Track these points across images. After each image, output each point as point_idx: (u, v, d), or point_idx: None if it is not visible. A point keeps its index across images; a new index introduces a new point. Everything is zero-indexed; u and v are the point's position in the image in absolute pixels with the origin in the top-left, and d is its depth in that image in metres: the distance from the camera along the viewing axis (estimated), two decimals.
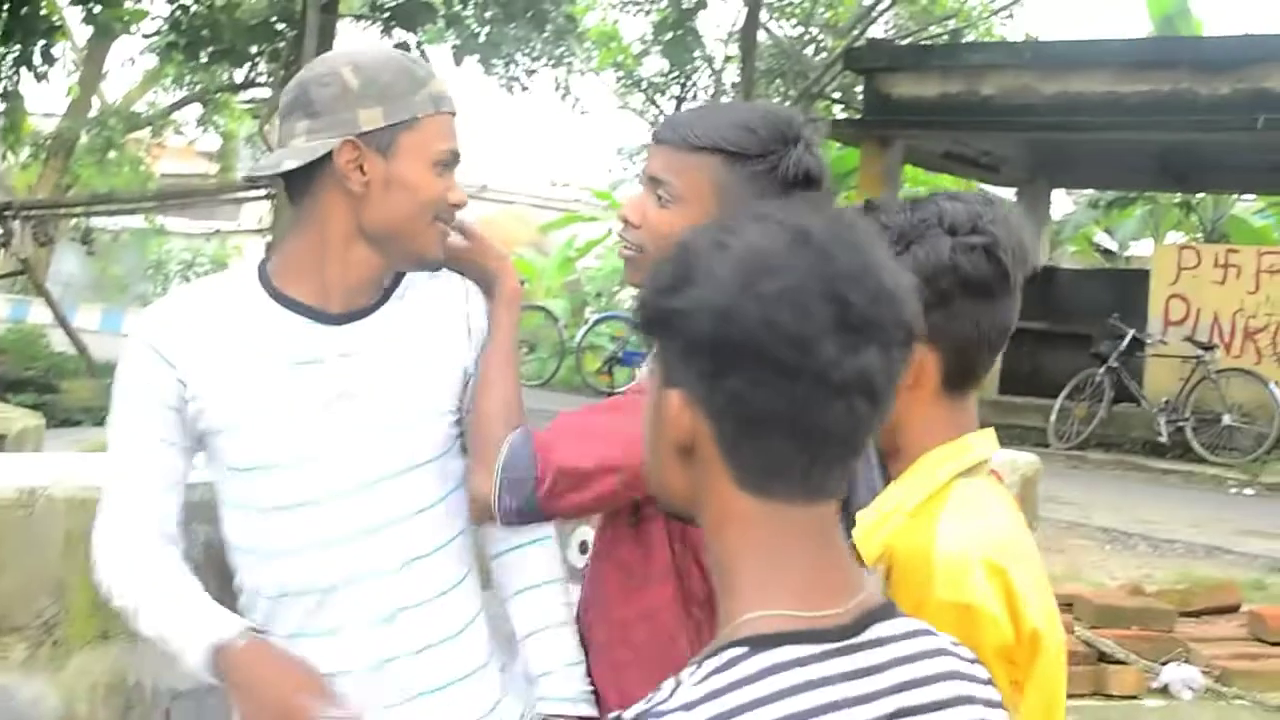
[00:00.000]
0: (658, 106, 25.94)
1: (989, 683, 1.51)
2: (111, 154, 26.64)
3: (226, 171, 30.69)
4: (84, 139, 26.02)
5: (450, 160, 2.35)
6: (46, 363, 16.71)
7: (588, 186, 27.83)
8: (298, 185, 2.30)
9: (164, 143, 29.30)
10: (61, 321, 16.99)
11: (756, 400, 1.37)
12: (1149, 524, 10.97)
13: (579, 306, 24.13)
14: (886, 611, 1.46)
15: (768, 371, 1.36)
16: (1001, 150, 19.70)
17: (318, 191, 2.28)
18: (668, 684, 1.36)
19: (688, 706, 1.32)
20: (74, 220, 23.07)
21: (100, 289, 31.76)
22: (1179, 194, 23.32)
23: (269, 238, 22.41)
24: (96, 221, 23.87)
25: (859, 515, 1.92)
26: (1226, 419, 15.17)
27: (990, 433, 1.98)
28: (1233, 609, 7.65)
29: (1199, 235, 23.78)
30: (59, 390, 14.94)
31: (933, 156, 19.79)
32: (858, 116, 19.92)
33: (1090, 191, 24.89)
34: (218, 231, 33.20)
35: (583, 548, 3.29)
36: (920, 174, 22.21)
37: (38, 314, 22.15)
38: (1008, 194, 22.92)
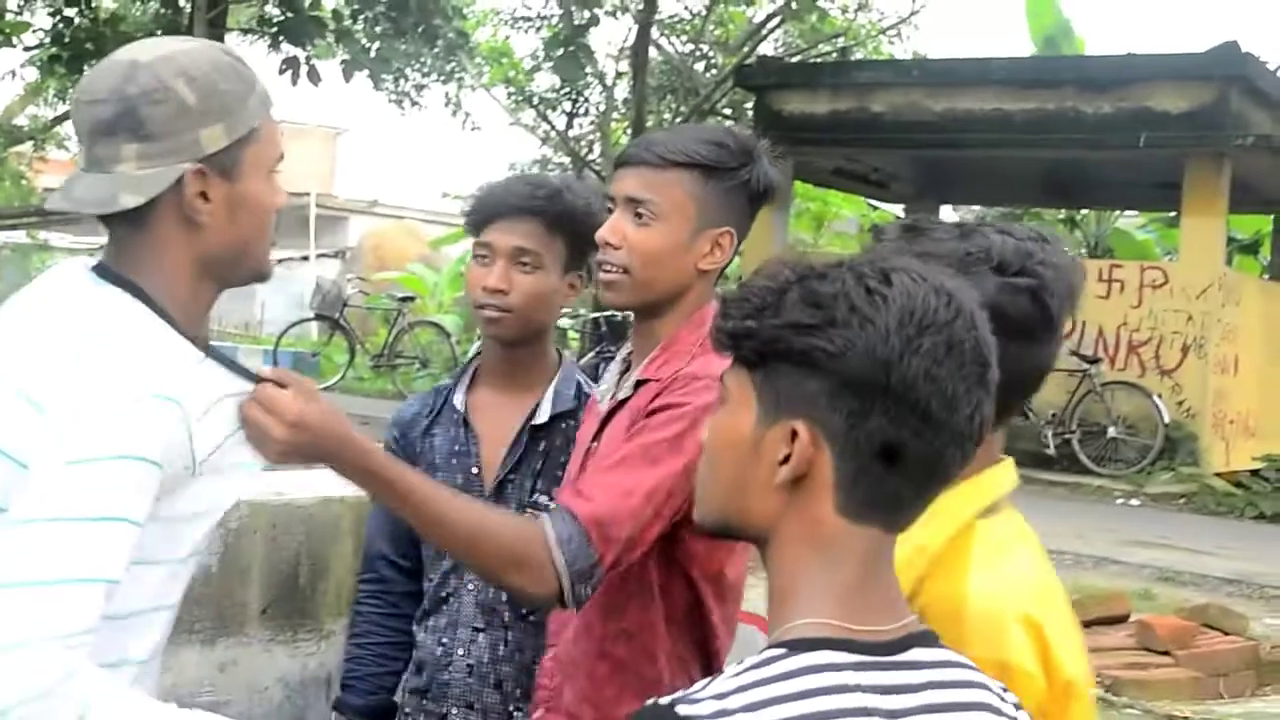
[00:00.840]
0: (549, 122, 25.93)
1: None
2: None
3: None
4: None
5: (279, 164, 2.14)
6: None
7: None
8: (123, 215, 2.01)
9: (46, 157, 28.81)
10: None
11: (895, 443, 1.49)
12: (1037, 535, 11.08)
13: (471, 322, 24.02)
14: (928, 639, 1.56)
15: (915, 420, 1.48)
16: (891, 167, 19.93)
17: (151, 223, 2.01)
18: (705, 679, 1.47)
19: (720, 695, 1.41)
20: None
21: None
22: (1064, 210, 23.71)
23: None
24: None
25: None
26: (1112, 431, 15.42)
27: (1009, 465, 1.98)
28: (1122, 619, 7.76)
29: (1083, 250, 24.15)
30: None
31: (823, 173, 19.97)
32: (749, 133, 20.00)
33: (977, 208, 25.23)
34: (102, 247, 32.55)
35: None
36: (810, 190, 22.38)
37: None
38: (896, 210, 23.18)
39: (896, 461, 1.50)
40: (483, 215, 3.00)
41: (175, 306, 2.02)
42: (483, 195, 3.05)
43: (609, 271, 2.55)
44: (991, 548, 1.86)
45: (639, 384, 2.55)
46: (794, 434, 1.50)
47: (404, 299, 21.00)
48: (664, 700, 1.44)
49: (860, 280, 1.51)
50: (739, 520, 1.57)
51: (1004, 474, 1.96)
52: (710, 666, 2.57)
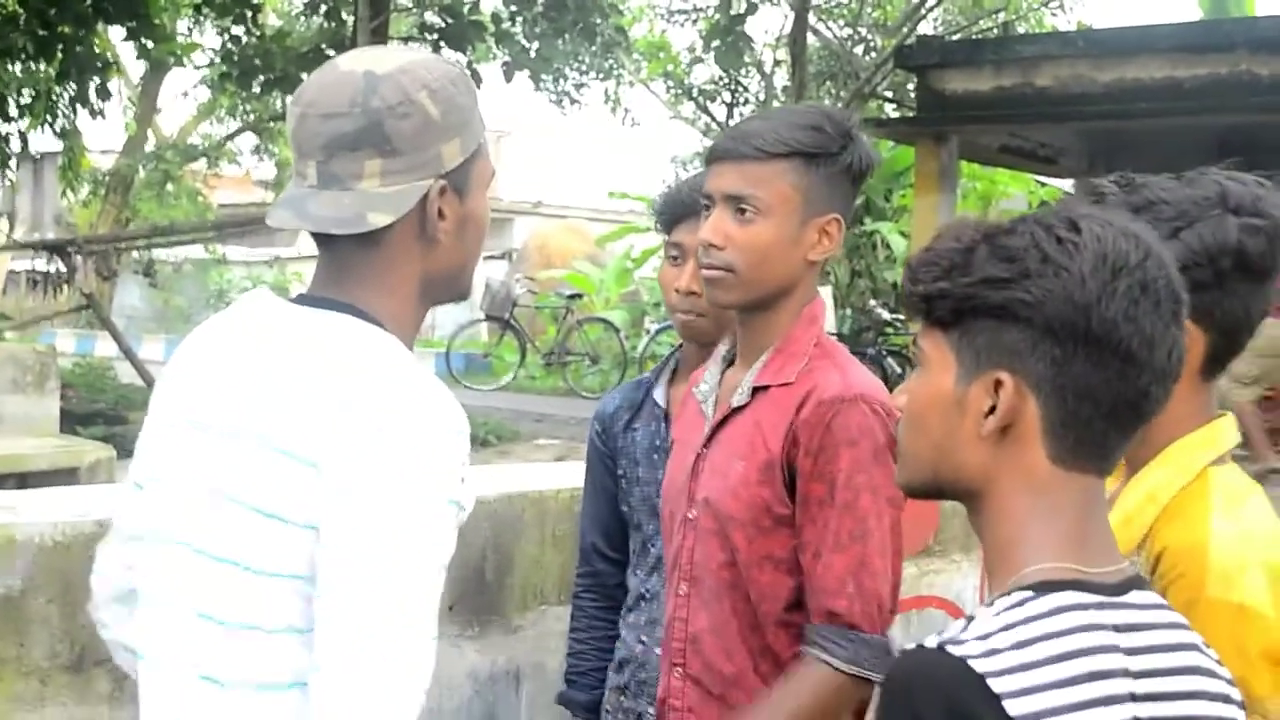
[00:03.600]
0: (709, 114, 25.92)
1: (1219, 663, 1.61)
2: (169, 187, 26.97)
3: None
4: (141, 173, 26.36)
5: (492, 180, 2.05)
6: (114, 395, 16.87)
7: (642, 197, 27.83)
8: (355, 234, 1.89)
9: (220, 173, 29.59)
10: (128, 353, 17.13)
11: (1099, 385, 1.53)
12: None
13: (638, 317, 24.12)
14: (1143, 582, 1.62)
15: (1118, 361, 1.52)
16: (1059, 141, 19.53)
17: (387, 241, 1.90)
18: (960, 621, 1.52)
19: (984, 636, 1.47)
20: (135, 253, 23.28)
21: (163, 320, 32.04)
22: None
23: None
24: (157, 253, 24.11)
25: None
26: None
27: (1232, 419, 1.98)
28: None
29: None
30: (128, 421, 15.05)
31: (989, 151, 19.63)
32: (911, 114, 19.81)
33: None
34: (277, 258, 33.47)
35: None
36: (976, 168, 22.05)
37: (103, 347, 22.39)
38: (1065, 185, 22.75)
39: (1102, 404, 1.53)
40: (673, 214, 2.95)
41: (397, 330, 1.90)
42: (672, 194, 2.99)
43: (713, 271, 2.47)
44: (1231, 495, 1.88)
45: (756, 389, 2.49)
46: (998, 384, 1.55)
47: (571, 296, 21.13)
48: (929, 643, 1.49)
49: (1049, 230, 1.55)
50: (950, 476, 1.61)
51: (1230, 426, 1.97)
52: None
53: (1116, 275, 1.51)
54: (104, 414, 15.24)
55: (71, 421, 13.31)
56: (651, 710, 2.89)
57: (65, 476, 9.51)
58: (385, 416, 1.75)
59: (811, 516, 2.41)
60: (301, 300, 1.94)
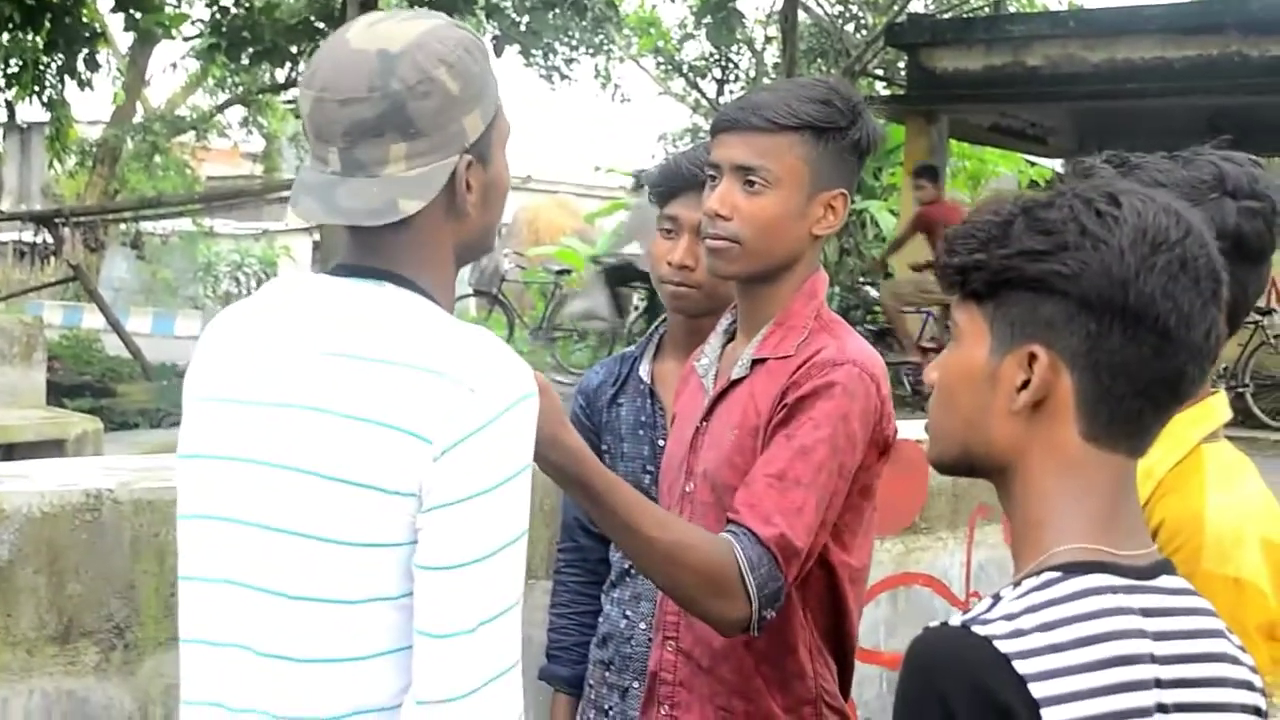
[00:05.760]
0: (699, 90, 25.88)
1: (1241, 649, 1.60)
2: (157, 159, 26.89)
3: (271, 172, 30.87)
4: (129, 145, 26.24)
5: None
6: (101, 368, 16.80)
7: (632, 173, 27.79)
8: None
9: (208, 146, 29.50)
10: (115, 326, 17.09)
11: (1134, 362, 1.51)
12: None
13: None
14: (1170, 566, 1.59)
15: (1154, 337, 1.50)
16: (1049, 121, 19.55)
17: (416, 221, 1.85)
18: (985, 601, 1.50)
19: (1010, 616, 1.46)
20: (123, 225, 23.21)
21: (151, 293, 31.95)
22: None
23: (316, 235, 22.44)
24: (145, 226, 24.01)
25: None
26: None
27: (1223, 396, 1.99)
28: None
29: None
30: (115, 394, 15.04)
31: (979, 130, 19.66)
32: (901, 92, 19.80)
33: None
34: (265, 232, 33.40)
35: None
36: (966, 148, 22.05)
37: (90, 320, 22.32)
38: (1055, 164, 22.76)
39: (1137, 381, 1.51)
40: (670, 187, 2.91)
41: (438, 299, 1.88)
42: (669, 166, 2.96)
43: (718, 241, 2.44)
44: (1224, 470, 1.91)
45: (755, 362, 2.47)
46: (1031, 358, 1.53)
47: (560, 272, 21.08)
48: (953, 622, 1.48)
49: (1089, 204, 1.52)
50: (981, 451, 1.59)
51: (1222, 402, 1.99)
52: (845, 651, 2.52)
53: (1156, 250, 1.49)
54: (91, 386, 15.19)
55: (58, 393, 13.26)
56: (636, 685, 2.90)
57: (52, 448, 9.49)
58: (475, 380, 1.74)
59: (771, 443, 2.35)
60: (342, 271, 1.89)
